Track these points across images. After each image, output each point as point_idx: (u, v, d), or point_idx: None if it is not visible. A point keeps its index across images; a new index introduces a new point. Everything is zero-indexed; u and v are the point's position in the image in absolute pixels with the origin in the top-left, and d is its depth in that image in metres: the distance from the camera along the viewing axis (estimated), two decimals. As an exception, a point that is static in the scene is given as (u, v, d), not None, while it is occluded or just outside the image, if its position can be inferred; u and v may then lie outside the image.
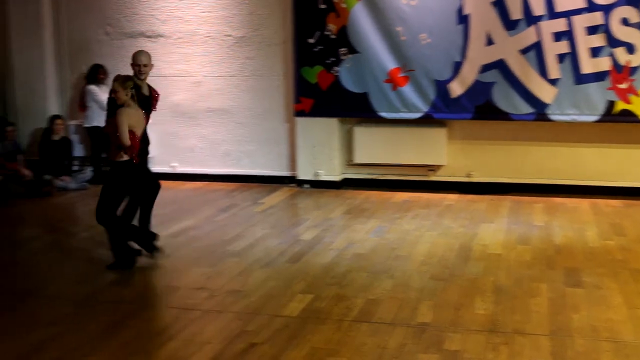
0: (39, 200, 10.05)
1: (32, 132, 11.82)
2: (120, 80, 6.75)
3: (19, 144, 11.34)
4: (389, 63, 10.14)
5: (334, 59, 10.32)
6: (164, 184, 10.89)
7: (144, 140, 7.16)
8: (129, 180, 6.79)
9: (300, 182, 10.74)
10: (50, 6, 11.67)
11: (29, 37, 11.66)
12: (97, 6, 11.57)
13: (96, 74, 11.28)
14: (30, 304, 5.85)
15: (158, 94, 7.62)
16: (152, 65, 7.44)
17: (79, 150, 11.68)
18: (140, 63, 7.24)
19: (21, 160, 11.10)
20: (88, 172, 11.28)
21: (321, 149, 10.61)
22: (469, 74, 9.88)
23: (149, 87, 7.46)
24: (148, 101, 7.33)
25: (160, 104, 11.24)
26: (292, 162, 10.87)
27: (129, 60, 11.36)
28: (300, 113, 10.64)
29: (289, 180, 10.85)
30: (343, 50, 10.28)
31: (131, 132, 6.62)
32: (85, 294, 6.04)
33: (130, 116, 6.66)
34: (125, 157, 6.68)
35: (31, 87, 11.77)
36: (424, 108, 10.09)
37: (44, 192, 10.33)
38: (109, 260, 6.93)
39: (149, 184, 7.52)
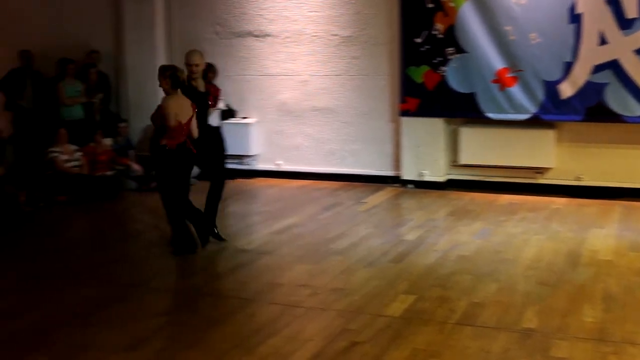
0: (148, 195, 10.33)
1: (143, 128, 12.15)
2: (161, 70, 7.09)
3: (130, 140, 11.71)
4: (497, 63, 9.96)
5: (440, 59, 10.21)
6: (269, 181, 11.20)
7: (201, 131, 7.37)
8: (171, 164, 7.00)
9: (404, 182, 10.67)
10: (162, 6, 11.99)
11: (142, 36, 12.01)
12: (207, 6, 11.82)
13: (206, 73, 11.44)
14: (137, 295, 6.01)
15: (219, 90, 7.91)
16: (204, 65, 7.69)
17: (188, 147, 11.94)
18: (192, 63, 7.47)
19: (132, 155, 11.46)
20: (195, 168, 11.51)
21: (426, 149, 10.51)
22: (580, 75, 9.60)
23: (209, 84, 7.79)
24: (203, 97, 7.56)
25: (266, 102, 11.56)
26: (396, 162, 10.81)
27: (238, 59, 11.71)
28: (405, 113, 10.57)
29: (393, 180, 10.80)
30: (450, 49, 10.16)
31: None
32: (190, 288, 6.16)
33: (172, 103, 6.88)
34: (165, 142, 6.93)
35: (143, 85, 12.09)
36: (532, 109, 9.87)
37: (153, 187, 10.62)
38: (214, 255, 7.08)
39: (212, 177, 7.82)
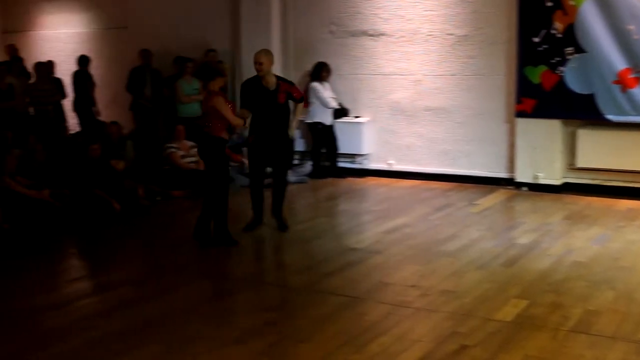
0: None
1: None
2: (212, 72, 7.55)
3: (244, 137, 11.93)
4: (619, 63, 9.63)
5: (559, 59, 9.97)
6: (380, 180, 11.20)
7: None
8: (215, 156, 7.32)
9: (518, 185, 10.47)
10: (278, 6, 12.17)
11: (258, 36, 12.22)
12: (322, 6, 11.93)
13: (320, 72, 11.65)
14: (249, 290, 6.14)
15: (292, 87, 8.16)
16: (271, 63, 7.90)
17: (300, 145, 12.10)
18: (256, 61, 7.83)
19: (246, 153, 11.67)
20: (308, 166, 11.66)
21: (542, 151, 10.28)
22: None
23: (283, 81, 8.01)
24: (270, 95, 7.85)
25: (379, 102, 11.58)
26: (511, 163, 10.62)
27: (351, 59, 11.77)
28: (521, 114, 10.37)
29: (506, 182, 10.61)
30: (569, 49, 9.90)
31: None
32: (301, 284, 6.24)
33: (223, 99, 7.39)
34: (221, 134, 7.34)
35: (258, 84, 12.33)
36: (656, 112, 9.52)
37: (266, 184, 10.78)
38: (325, 253, 7.16)
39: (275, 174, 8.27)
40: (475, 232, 7.94)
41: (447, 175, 11.07)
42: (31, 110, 12.07)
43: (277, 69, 12.23)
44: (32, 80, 12.29)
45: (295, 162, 11.92)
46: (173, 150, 10.49)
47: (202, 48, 12.45)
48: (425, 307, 5.65)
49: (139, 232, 8.32)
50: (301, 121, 11.97)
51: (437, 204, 9.47)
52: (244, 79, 12.36)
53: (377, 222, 8.48)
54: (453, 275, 6.46)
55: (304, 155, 12.16)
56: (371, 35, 11.62)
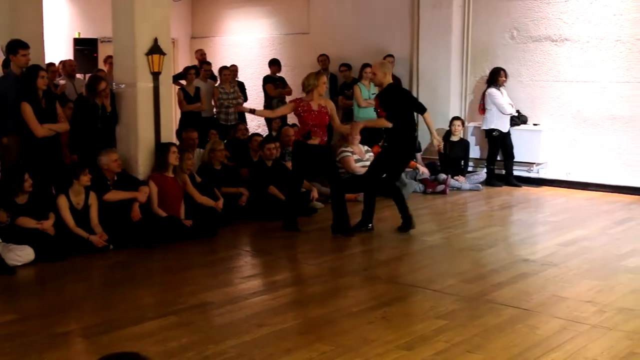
0: (434, 198, 10.55)
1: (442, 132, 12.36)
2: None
3: (418, 143, 11.96)
4: None
5: None
6: (556, 190, 10.89)
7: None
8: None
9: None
10: (459, 11, 12.11)
11: (437, 40, 12.23)
12: (504, 11, 11.75)
13: (497, 77, 11.48)
14: (419, 295, 6.16)
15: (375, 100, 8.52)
16: (379, 74, 8.20)
17: (475, 152, 11.98)
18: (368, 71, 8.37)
19: (420, 158, 11.72)
20: (482, 173, 11.53)
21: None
22: None
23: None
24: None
25: (559, 109, 11.26)
26: None
27: (532, 64, 11.53)
28: None
29: None
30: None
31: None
32: (473, 293, 6.18)
33: None
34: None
35: (435, 88, 12.33)
36: None
37: (439, 190, 10.80)
38: (497, 263, 7.07)
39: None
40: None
41: (630, 187, 10.59)
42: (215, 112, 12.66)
43: (453, 74, 12.27)
44: (217, 84, 12.89)
45: (470, 169, 11.81)
46: (347, 154, 10.67)
47: (379, 54, 12.59)
48: (602, 324, 5.44)
49: (310, 233, 8.52)
50: (477, 128, 11.86)
51: (618, 217, 9.08)
52: (421, 81, 12.53)
53: (552, 234, 8.25)
54: (633, 292, 6.18)
55: (478, 162, 12.02)
56: (554, 40, 11.32)
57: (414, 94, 12.55)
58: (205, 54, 14.55)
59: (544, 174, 11.51)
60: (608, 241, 7.93)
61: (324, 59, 13.02)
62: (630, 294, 6.15)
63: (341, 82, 12.91)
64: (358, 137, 10.64)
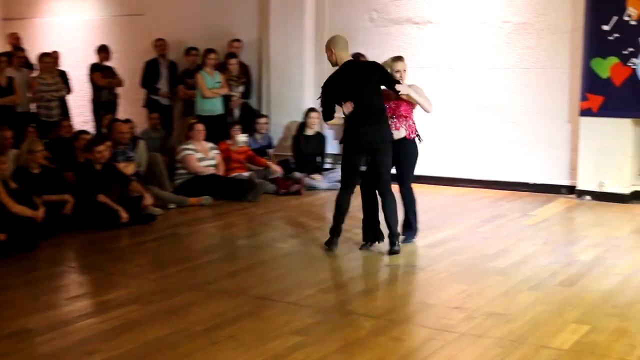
0: (287, 199, 10.59)
1: (285, 126, 12.45)
2: None
3: (270, 138, 12.01)
4: None
5: (632, 49, 9.93)
6: (421, 188, 11.13)
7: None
8: None
9: (580, 193, 10.41)
10: (313, -9, 12.25)
11: (289, 24, 12.31)
12: (362, -10, 11.97)
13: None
14: (273, 310, 6.16)
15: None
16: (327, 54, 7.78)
17: (333, 147, 12.14)
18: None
19: (271, 155, 11.76)
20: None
21: (609, 155, 10.21)
22: None
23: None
24: None
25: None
26: (572, 169, 10.57)
27: (394, 49, 11.76)
28: (586, 112, 10.32)
29: (567, 191, 10.56)
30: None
31: None
32: (332, 304, 6.25)
33: None
34: None
35: (287, 77, 12.41)
36: None
37: (294, 190, 10.85)
38: (359, 269, 7.18)
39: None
40: (529, 247, 7.90)
41: (499, 182, 11.04)
42: (33, 106, 12.25)
43: (309, 61, 12.40)
44: (35, 73, 12.48)
45: (327, 166, 11.95)
46: (189, 152, 10.57)
47: (224, 38, 12.55)
48: (471, 331, 5.62)
49: (146, 246, 8.39)
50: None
51: (487, 215, 9.44)
52: (272, 72, 12.59)
53: (419, 235, 8.42)
54: (503, 296, 6.43)
55: (337, 158, 12.18)
56: (417, 23, 11.63)
57: (264, 82, 12.61)
58: (19, 38, 14.08)
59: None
60: (477, 241, 8.23)
61: (161, 44, 12.86)
62: (500, 297, 6.40)
63: (183, 69, 12.77)
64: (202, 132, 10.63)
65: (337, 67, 7.67)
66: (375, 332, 5.59)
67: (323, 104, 7.68)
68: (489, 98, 11.16)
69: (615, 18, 9.99)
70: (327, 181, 11.31)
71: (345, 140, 7.70)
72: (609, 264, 7.30)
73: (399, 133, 7.80)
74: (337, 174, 11.46)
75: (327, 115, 7.75)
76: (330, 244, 7.79)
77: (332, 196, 10.65)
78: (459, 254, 7.70)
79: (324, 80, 7.74)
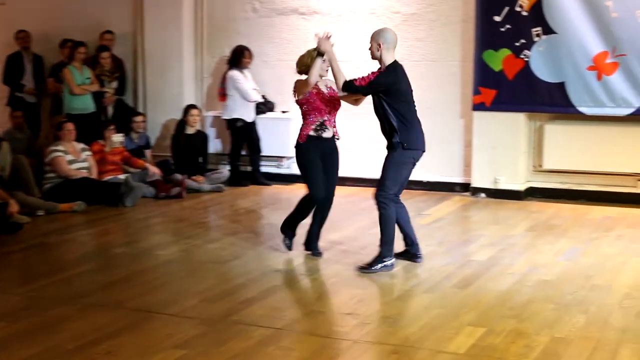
0: (168, 203, 10.48)
1: (163, 124, 12.32)
2: None
3: (148, 138, 11.87)
4: (594, 46, 9.91)
5: (524, 41, 10.20)
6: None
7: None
8: None
9: (475, 191, 10.65)
10: (189, -21, 12.17)
11: (165, 14, 12.20)
12: (243, -22, 11.96)
13: (240, 58, 11.64)
14: (154, 322, 6.10)
15: None
16: (371, 45, 7.65)
17: (215, 146, 12.09)
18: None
19: (149, 156, 11.62)
20: (225, 171, 11.66)
21: (503, 150, 10.48)
22: (699, 60, 9.53)
23: None
24: None
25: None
26: (466, 166, 10.80)
27: (279, 41, 11.79)
28: (479, 106, 10.56)
29: (461, 188, 10.78)
30: (536, 30, 10.12)
31: None
32: (218, 314, 6.22)
33: None
34: None
35: (165, 71, 12.29)
36: (636, 102, 9.82)
37: (174, 193, 10.76)
38: (245, 276, 7.18)
39: None
40: (424, 247, 7.98)
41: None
42: None
43: (188, 54, 12.32)
44: None
45: (210, 166, 11.90)
46: (58, 154, 10.35)
47: (95, 30, 12.34)
48: (365, 338, 5.69)
49: (13, 257, 8.18)
50: (217, 117, 11.98)
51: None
52: (148, 66, 12.44)
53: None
54: (397, 300, 6.55)
55: (220, 158, 12.15)
56: (302, 13, 11.69)
57: (140, 77, 12.47)
58: None
59: (297, 169, 11.81)
60: (369, 243, 8.28)
61: (23, 36, 12.55)
62: (394, 301, 6.51)
63: (55, 62, 12.45)
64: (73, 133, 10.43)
65: (388, 64, 7.55)
66: (264, 343, 5.60)
67: (364, 91, 7.58)
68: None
69: (506, 9, 10.24)
70: (210, 183, 11.26)
71: (410, 144, 7.50)
72: (505, 263, 7.51)
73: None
74: (221, 174, 11.47)
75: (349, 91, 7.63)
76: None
77: (216, 198, 10.72)
78: (351, 258, 7.77)
79: (379, 75, 7.50)
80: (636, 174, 10.07)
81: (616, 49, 9.80)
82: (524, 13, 10.16)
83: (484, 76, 10.45)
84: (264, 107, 11.81)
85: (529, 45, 10.17)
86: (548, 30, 10.08)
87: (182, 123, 11.59)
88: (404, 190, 10.80)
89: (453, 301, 6.49)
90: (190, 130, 11.57)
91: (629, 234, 8.66)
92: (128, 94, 12.59)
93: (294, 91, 7.82)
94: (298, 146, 7.71)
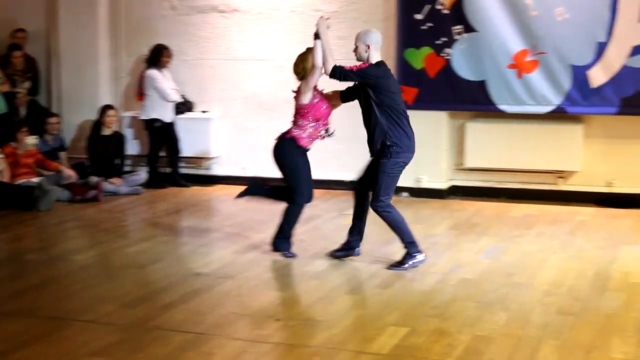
0: (84, 207, 10.35)
1: (79, 125, 12.17)
2: None
3: (62, 139, 11.71)
4: (515, 44, 10.07)
5: (445, 39, 10.30)
6: (232, 188, 11.21)
7: None
8: None
9: (398, 190, 10.70)
10: (106, -24, 12.04)
11: (80, 12, 12.06)
12: (161, -24, 11.87)
13: (158, 57, 11.55)
14: (69, 330, 6.02)
15: None
16: (357, 47, 7.67)
17: (133, 148, 11.98)
18: None
19: (64, 158, 11.46)
20: (143, 173, 11.55)
21: (425, 149, 10.51)
22: (615, 58, 9.72)
23: None
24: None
25: (232, 93, 11.59)
26: (389, 165, 10.86)
27: (198, 40, 11.73)
28: (400, 105, 10.63)
29: (385, 188, 10.85)
30: (457, 28, 10.24)
31: None
32: (136, 319, 6.17)
33: None
34: None
35: (80, 71, 12.14)
36: (556, 100, 9.98)
37: (90, 197, 10.62)
38: (163, 281, 7.12)
39: None
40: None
41: (313, 180, 11.18)
42: None
43: (104, 53, 12.18)
44: None
45: (127, 168, 11.78)
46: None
47: (6, 28, 12.13)
48: (287, 341, 5.72)
49: None
50: (135, 118, 11.87)
51: (302, 216, 9.57)
52: (63, 65, 12.26)
53: (228, 241, 8.50)
54: (319, 301, 6.56)
55: (138, 160, 12.04)
56: (222, 11, 11.65)
57: (54, 76, 12.30)
58: None
59: (217, 170, 11.82)
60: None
61: None
62: (317, 302, 6.52)
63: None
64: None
65: (371, 63, 7.56)
66: (184, 348, 5.58)
67: (353, 76, 7.56)
68: (300, 92, 11.31)
69: (428, 7, 10.34)
70: (128, 185, 11.15)
71: (402, 146, 7.58)
72: (427, 262, 7.56)
73: None
74: (139, 177, 11.37)
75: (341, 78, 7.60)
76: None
77: (134, 201, 10.62)
78: (272, 259, 7.79)
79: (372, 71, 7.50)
80: (556, 172, 10.27)
81: (536, 47, 9.97)
82: (445, 11, 10.27)
83: (406, 74, 10.53)
84: (183, 107, 11.74)
85: (450, 43, 10.29)
86: (469, 29, 10.20)
87: (98, 124, 11.45)
88: (327, 191, 10.97)
89: (376, 302, 6.55)
90: (106, 131, 11.43)
91: (549, 231, 8.84)
92: (42, 95, 12.39)
93: (299, 93, 7.95)
94: (292, 147, 7.79)
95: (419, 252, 7.43)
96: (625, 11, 9.63)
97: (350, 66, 7.48)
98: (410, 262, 7.36)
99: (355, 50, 7.63)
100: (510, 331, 5.84)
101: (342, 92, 7.96)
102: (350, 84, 7.74)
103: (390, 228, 7.57)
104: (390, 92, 7.50)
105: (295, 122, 7.83)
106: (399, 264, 7.40)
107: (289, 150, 7.76)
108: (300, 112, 7.76)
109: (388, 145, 7.44)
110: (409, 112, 10.34)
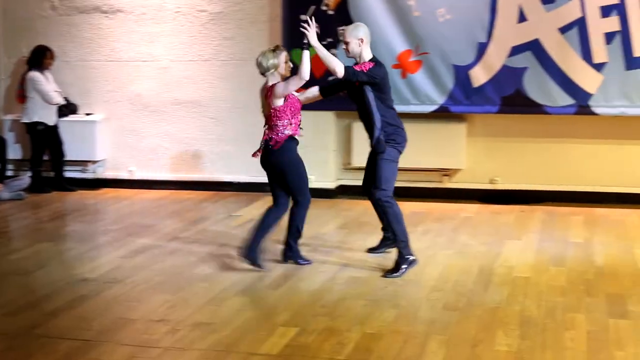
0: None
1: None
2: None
3: None
4: (398, 45, 10.20)
5: (330, 40, 10.35)
6: (119, 192, 11.10)
7: None
8: None
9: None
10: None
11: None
12: (40, -25, 11.64)
13: (40, 58, 11.34)
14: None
15: None
16: (348, 43, 7.61)
17: (15, 152, 11.72)
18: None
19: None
20: (25, 178, 11.32)
21: (313, 149, 10.60)
22: (495, 58, 9.94)
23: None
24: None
25: (117, 95, 11.45)
26: (277, 166, 10.89)
27: (80, 41, 11.55)
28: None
29: (273, 189, 10.88)
30: (342, 28, 10.29)
31: None
32: (20, 327, 6.05)
33: None
34: None
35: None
36: (439, 99, 10.15)
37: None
38: (49, 287, 6.99)
39: None
40: (235, 250, 8.04)
41: (201, 182, 11.17)
42: None
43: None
44: None
45: (9, 173, 11.53)
46: None
47: None
48: (176, 345, 5.67)
49: None
50: (16, 121, 11.61)
51: (190, 218, 9.56)
52: None
53: (115, 245, 8.39)
54: (209, 304, 6.53)
55: (20, 164, 11.78)
56: (105, 11, 11.51)
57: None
58: None
59: (103, 173, 11.66)
60: (179, 247, 8.29)
61: None
62: (206, 305, 6.49)
63: None
64: None
65: (370, 59, 7.51)
66: (71, 356, 5.49)
67: (364, 77, 7.39)
68: (186, 93, 11.25)
69: (313, 7, 10.35)
70: (10, 190, 10.90)
71: (395, 142, 7.61)
72: (316, 262, 7.63)
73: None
74: (22, 181, 11.12)
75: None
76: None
77: (16, 207, 10.38)
78: (161, 262, 7.74)
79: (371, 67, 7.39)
80: (441, 170, 10.46)
81: (419, 47, 10.12)
82: (330, 12, 10.34)
83: (293, 75, 10.52)
84: (67, 109, 11.53)
85: (336, 44, 10.35)
86: (354, 29, 10.28)
87: (-23, 128, 11.18)
88: (216, 193, 10.94)
89: (266, 303, 6.56)
90: (-13, 135, 11.17)
91: (436, 228, 9.00)
92: None
93: (271, 96, 7.74)
94: (287, 148, 7.64)
95: (411, 254, 7.40)
96: (505, 12, 9.85)
97: (359, 67, 7.44)
98: (404, 267, 7.28)
99: (347, 47, 7.63)
100: (398, 328, 5.92)
101: (323, 87, 8.08)
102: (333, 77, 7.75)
103: (388, 222, 7.55)
104: (387, 89, 7.62)
105: (273, 127, 7.70)
106: (393, 271, 7.28)
107: (291, 152, 7.68)
108: (276, 115, 7.61)
109: (384, 140, 7.55)
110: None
